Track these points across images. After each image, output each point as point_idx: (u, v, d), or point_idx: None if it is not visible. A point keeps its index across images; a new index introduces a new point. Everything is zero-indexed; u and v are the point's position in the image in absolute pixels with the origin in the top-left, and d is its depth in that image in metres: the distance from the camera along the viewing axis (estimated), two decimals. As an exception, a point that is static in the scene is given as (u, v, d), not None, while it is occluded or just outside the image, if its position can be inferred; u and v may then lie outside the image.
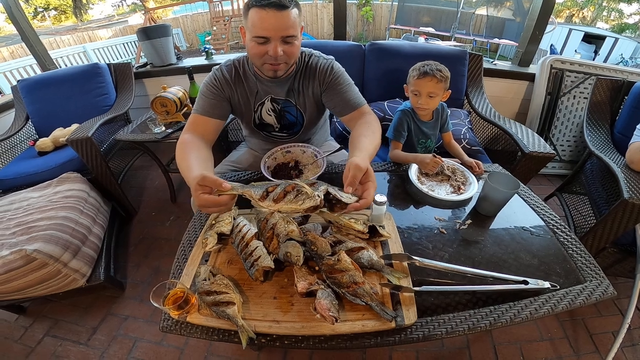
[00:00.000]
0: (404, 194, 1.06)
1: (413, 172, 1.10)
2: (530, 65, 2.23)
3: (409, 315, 0.67)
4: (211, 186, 0.70)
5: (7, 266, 1.20)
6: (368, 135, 0.90)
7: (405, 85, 1.31)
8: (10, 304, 1.43)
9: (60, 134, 1.93)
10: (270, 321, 0.66)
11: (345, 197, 0.67)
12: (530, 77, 2.17)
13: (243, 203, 0.85)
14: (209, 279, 0.71)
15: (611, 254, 1.31)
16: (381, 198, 0.83)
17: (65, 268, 1.34)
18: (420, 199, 1.03)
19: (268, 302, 0.70)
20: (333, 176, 1.14)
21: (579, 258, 0.82)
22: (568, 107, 2.08)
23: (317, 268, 0.73)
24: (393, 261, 0.77)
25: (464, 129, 1.62)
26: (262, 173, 1.06)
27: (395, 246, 0.82)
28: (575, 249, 0.85)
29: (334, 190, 0.69)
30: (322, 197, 0.66)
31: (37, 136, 2.10)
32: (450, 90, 1.25)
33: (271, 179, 1.00)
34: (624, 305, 1.45)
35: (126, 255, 1.88)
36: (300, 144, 1.16)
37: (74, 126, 1.92)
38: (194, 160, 0.86)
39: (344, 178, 0.72)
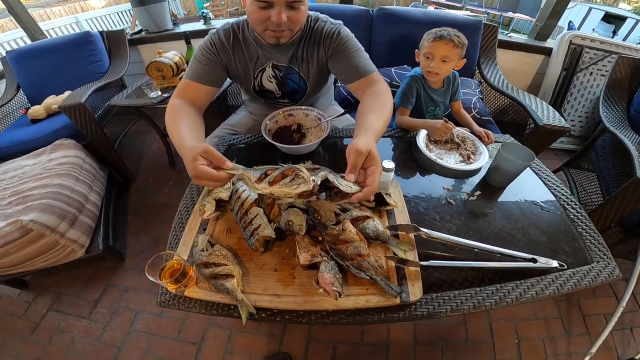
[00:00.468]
0: (410, 162, 1.02)
1: (421, 138, 1.05)
2: (548, 40, 2.18)
3: (414, 291, 0.65)
4: (213, 161, 0.66)
5: (4, 239, 1.18)
6: (375, 111, 0.81)
7: (416, 50, 1.23)
8: (11, 278, 1.43)
9: (53, 101, 1.89)
10: (271, 295, 0.64)
11: (345, 185, 0.60)
12: (547, 52, 2.14)
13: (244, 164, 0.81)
14: (206, 250, 0.68)
15: (615, 233, 1.28)
16: (389, 164, 0.78)
17: (63, 239, 1.32)
18: (427, 167, 0.98)
19: (269, 275, 0.67)
20: (337, 141, 1.09)
21: (588, 237, 0.78)
22: (583, 84, 2.05)
23: (320, 238, 0.70)
24: (399, 232, 0.74)
25: (474, 99, 1.57)
26: (262, 136, 1.01)
27: (402, 216, 0.79)
28: (585, 227, 0.81)
29: (333, 177, 0.62)
30: (318, 183, 0.60)
31: (29, 105, 2.07)
32: (465, 60, 1.18)
33: (272, 141, 0.95)
34: (619, 287, 1.47)
35: (125, 223, 1.86)
36: (304, 107, 1.11)
37: (67, 93, 1.87)
38: (185, 128, 0.80)
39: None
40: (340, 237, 0.66)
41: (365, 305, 0.63)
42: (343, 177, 0.61)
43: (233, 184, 0.84)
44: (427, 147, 1.03)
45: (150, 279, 0.59)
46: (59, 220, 1.30)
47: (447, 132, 1.03)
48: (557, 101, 2.13)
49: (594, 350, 1.15)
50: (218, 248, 0.67)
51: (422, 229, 0.71)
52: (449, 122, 1.03)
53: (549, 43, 2.15)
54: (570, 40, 1.99)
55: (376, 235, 0.70)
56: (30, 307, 1.48)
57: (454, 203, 0.86)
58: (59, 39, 2.11)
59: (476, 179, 0.95)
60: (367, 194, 0.60)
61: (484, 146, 1.03)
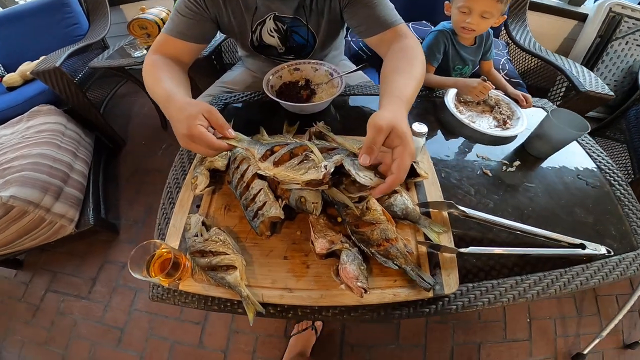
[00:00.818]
0: (437, 124, 0.88)
1: (450, 98, 0.91)
2: (582, 5, 2.04)
3: (449, 282, 0.55)
4: (215, 126, 0.54)
5: (-17, 219, 1.07)
6: (404, 71, 0.64)
7: (446, 2, 1.04)
8: (4, 259, 1.36)
9: (28, 67, 1.73)
10: (281, 289, 0.53)
11: (363, 177, 0.47)
12: (580, 17, 2.01)
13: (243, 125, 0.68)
14: (201, 234, 0.56)
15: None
16: (421, 127, 0.65)
17: (48, 214, 1.21)
18: (457, 131, 0.85)
19: (277, 264, 0.56)
20: (352, 99, 0.94)
21: (635, 219, 0.69)
22: (617, 52, 1.95)
23: (339, 219, 0.57)
24: (430, 209, 0.62)
25: (502, 59, 1.43)
26: (263, 94, 0.87)
27: (433, 189, 0.67)
28: (632, 207, 0.71)
29: (350, 165, 0.48)
30: (330, 171, 0.48)
31: (5, 73, 1.91)
32: (506, 16, 1.00)
33: (276, 99, 0.81)
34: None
35: (117, 191, 1.74)
36: (312, 61, 0.94)
37: (42, 59, 1.70)
38: (171, 83, 0.65)
39: None
40: (364, 218, 0.54)
41: (393, 300, 0.53)
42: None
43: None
44: (456, 108, 0.90)
45: (136, 276, 0.47)
46: (42, 193, 1.18)
47: (485, 93, 0.89)
48: (587, 67, 2.00)
49: (604, 333, 1.11)
50: (215, 232, 0.56)
51: (459, 206, 0.60)
52: (488, 81, 0.89)
53: (583, 9, 2.02)
54: (610, 8, 1.87)
55: (405, 214, 0.59)
56: (29, 288, 1.43)
57: (490, 174, 0.74)
58: (30, 4, 1.95)
59: (511, 146, 0.83)
60: (390, 185, 0.46)
61: (521, 110, 0.90)
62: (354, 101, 0.93)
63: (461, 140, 0.83)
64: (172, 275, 0.52)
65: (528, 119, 0.87)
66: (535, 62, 1.50)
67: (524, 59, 1.61)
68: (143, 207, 1.66)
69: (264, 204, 0.57)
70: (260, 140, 0.61)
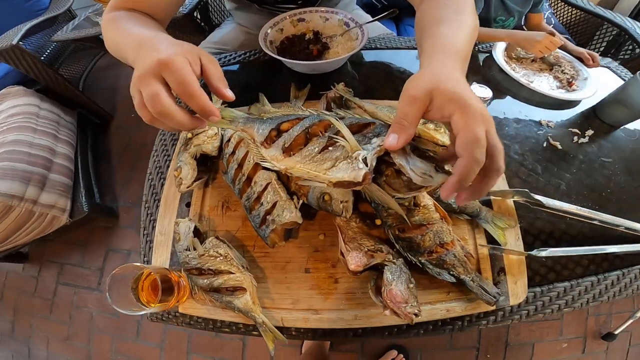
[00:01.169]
0: (483, 84, 0.71)
1: (499, 53, 0.73)
2: None
3: (516, 290, 0.44)
4: (209, 76, 0.34)
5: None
6: (450, 20, 0.42)
7: None
8: (7, 254, 1.28)
9: None
10: (305, 310, 0.42)
11: (420, 175, 0.29)
12: None
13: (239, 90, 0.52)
14: (194, 248, 0.43)
15: None
16: (483, 91, 0.50)
17: (36, 206, 1.10)
18: (511, 93, 0.68)
19: (297, 279, 0.44)
20: (375, 54, 0.73)
21: None
22: None
23: (378, 222, 0.44)
24: (492, 197, 0.49)
25: (546, 13, 1.20)
26: (261, 52, 0.70)
27: None
28: None
29: (402, 158, 0.30)
30: (372, 167, 0.30)
31: None
32: None
33: (278, 57, 0.63)
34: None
35: (110, 170, 1.61)
36: (322, 9, 0.73)
37: None
38: (140, 29, 0.44)
39: None
40: (412, 219, 0.41)
41: (445, 316, 0.42)
42: (426, 151, 0.31)
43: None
44: (507, 65, 0.72)
45: (125, 312, 0.36)
46: (24, 184, 1.06)
47: (553, 50, 0.72)
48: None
49: (638, 314, 1.04)
50: (212, 244, 0.43)
51: (535, 195, 0.46)
52: (557, 34, 0.71)
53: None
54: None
55: (462, 207, 0.45)
56: (39, 282, 1.39)
57: (559, 146, 0.58)
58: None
59: (574, 112, 0.66)
60: (462, 174, 0.27)
61: (587, 69, 0.72)
62: (376, 56, 0.74)
63: (516, 104, 0.66)
64: (166, 301, 0.40)
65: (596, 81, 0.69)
66: (573, 16, 1.26)
67: (563, 15, 1.34)
68: (140, 185, 1.54)
69: (274, 205, 0.42)
70: (260, 116, 0.44)
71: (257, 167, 0.46)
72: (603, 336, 1.10)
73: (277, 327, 0.41)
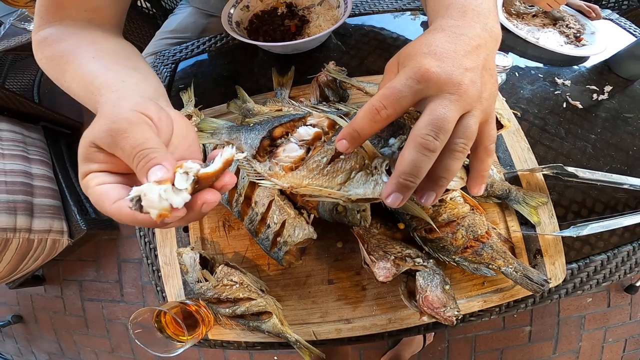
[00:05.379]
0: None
1: (499, 9, 0.66)
2: None
3: (555, 271, 0.42)
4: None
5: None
6: None
7: None
8: (24, 281, 1.29)
9: None
10: (336, 321, 0.40)
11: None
12: None
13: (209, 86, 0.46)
14: (205, 279, 0.39)
15: None
16: (505, 60, 0.44)
17: (32, 234, 1.06)
18: (519, 52, 0.61)
19: (322, 292, 0.41)
20: (369, 19, 0.64)
21: None
22: None
23: (401, 226, 0.40)
24: (519, 172, 0.44)
25: None
26: (229, 37, 0.61)
27: (516, 141, 0.47)
28: None
29: None
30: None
31: None
32: None
33: (249, 41, 0.55)
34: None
35: None
36: None
37: None
38: (96, 62, 0.34)
39: None
40: (440, 217, 0.37)
41: (482, 307, 0.40)
42: None
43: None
44: (508, 20, 0.65)
45: (162, 355, 0.36)
46: (11, 215, 1.01)
47: (562, 3, 0.64)
48: None
49: None
50: (224, 273, 0.39)
51: (569, 168, 0.42)
52: None
53: None
54: None
55: (490, 190, 0.41)
56: (65, 301, 1.41)
57: (579, 106, 0.53)
58: None
59: (586, 67, 0.60)
60: (479, 170, 0.25)
61: (592, 23, 0.66)
62: (362, 23, 0.64)
63: (525, 62, 0.60)
64: (195, 334, 0.37)
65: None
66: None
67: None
68: (132, 187, 1.53)
69: (283, 224, 0.38)
70: (246, 122, 0.38)
71: (254, 184, 0.41)
72: (626, 288, 1.12)
73: (311, 342, 0.39)
